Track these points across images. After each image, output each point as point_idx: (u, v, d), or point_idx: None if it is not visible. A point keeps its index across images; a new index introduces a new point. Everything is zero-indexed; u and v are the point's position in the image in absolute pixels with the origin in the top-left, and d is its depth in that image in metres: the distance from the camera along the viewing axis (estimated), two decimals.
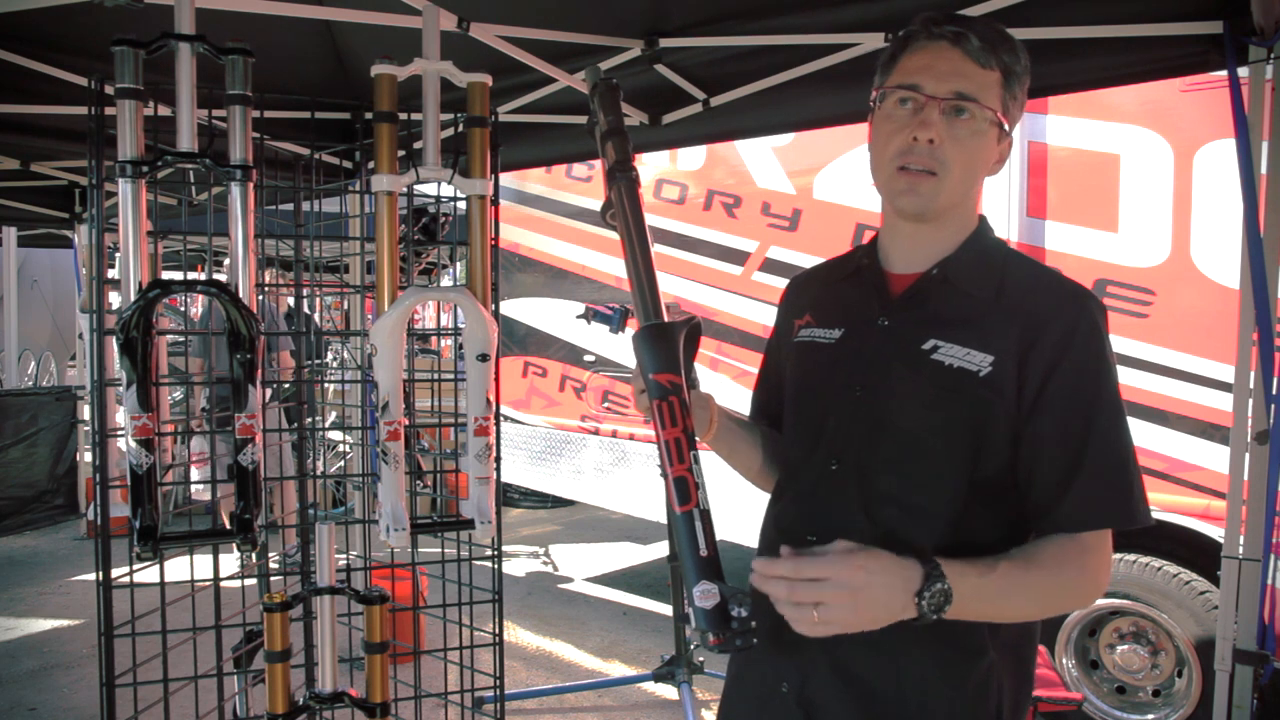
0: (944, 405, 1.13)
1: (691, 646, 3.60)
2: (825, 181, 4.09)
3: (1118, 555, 3.26)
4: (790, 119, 3.12)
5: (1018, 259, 1.24)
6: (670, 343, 1.15)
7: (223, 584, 2.56)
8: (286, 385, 4.86)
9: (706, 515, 1.07)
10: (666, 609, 4.74)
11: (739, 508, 1.89)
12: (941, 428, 1.13)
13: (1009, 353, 1.11)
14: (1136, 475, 1.12)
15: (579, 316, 3.64)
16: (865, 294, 1.25)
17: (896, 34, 1.20)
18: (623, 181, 1.27)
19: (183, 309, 5.62)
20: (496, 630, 2.72)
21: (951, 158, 1.13)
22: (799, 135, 4.09)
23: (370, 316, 2.40)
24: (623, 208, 1.27)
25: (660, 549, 6.07)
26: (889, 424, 1.16)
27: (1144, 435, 3.15)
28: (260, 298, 2.48)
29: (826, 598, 0.98)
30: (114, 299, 2.22)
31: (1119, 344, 3.19)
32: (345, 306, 6.05)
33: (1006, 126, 1.15)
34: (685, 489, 1.07)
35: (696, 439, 1.15)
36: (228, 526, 1.96)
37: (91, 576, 2.36)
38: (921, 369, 1.15)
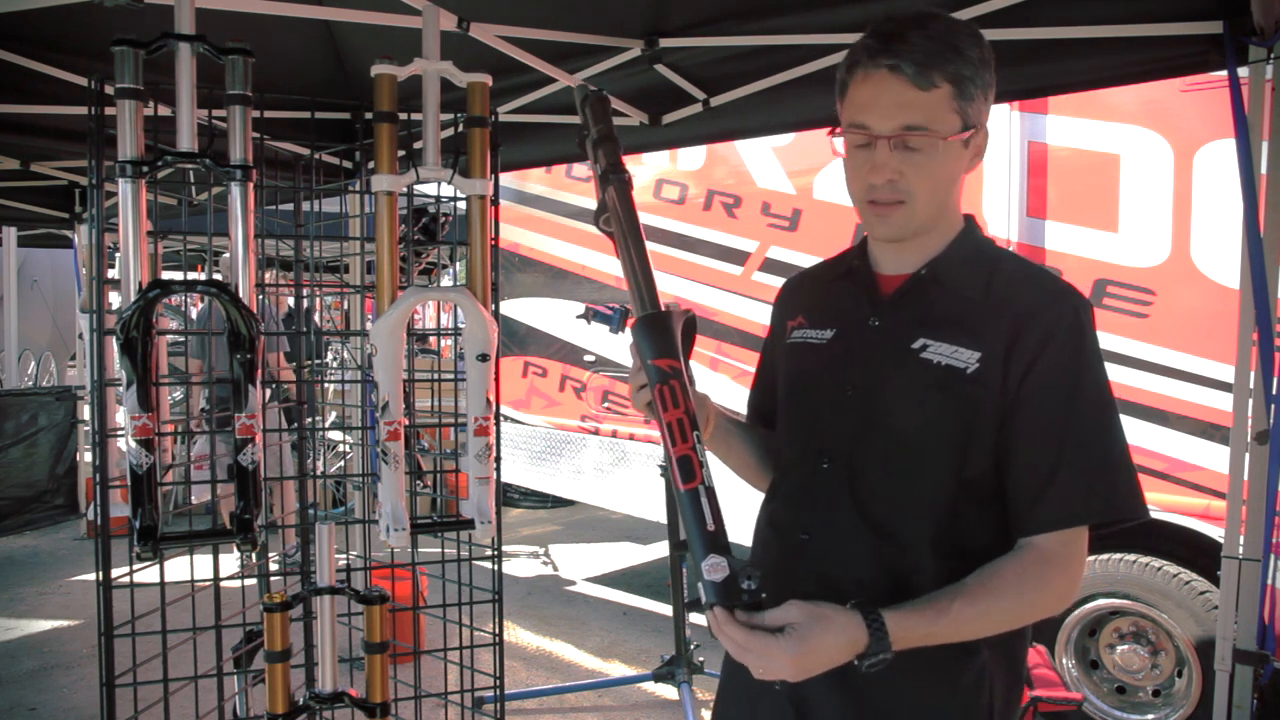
0: (933, 403, 1.14)
1: (692, 646, 3.60)
2: (825, 181, 4.09)
3: (1118, 555, 3.26)
4: (790, 119, 3.12)
5: (1006, 257, 1.25)
6: (667, 330, 1.17)
7: (223, 584, 2.56)
8: (284, 386, 4.86)
9: (712, 492, 1.08)
10: (666, 609, 4.74)
11: (736, 507, 1.89)
12: (932, 425, 1.14)
13: (996, 350, 1.12)
14: (1122, 468, 1.12)
15: (579, 316, 3.64)
16: (856, 295, 1.26)
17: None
18: (615, 182, 1.29)
19: (182, 309, 5.62)
20: (496, 630, 2.72)
21: (915, 185, 1.13)
22: (799, 135, 4.09)
23: (370, 316, 2.40)
24: (616, 206, 1.28)
25: (660, 549, 6.07)
26: (880, 423, 1.17)
27: (1144, 435, 3.15)
28: (260, 298, 2.48)
29: (769, 666, 1.02)
30: (114, 299, 2.22)
31: (1119, 344, 3.19)
32: (345, 306, 6.05)
33: (972, 126, 1.14)
34: (690, 467, 1.08)
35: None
36: (228, 526, 1.96)
37: (91, 576, 2.36)
38: (911, 368, 1.16)
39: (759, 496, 1.38)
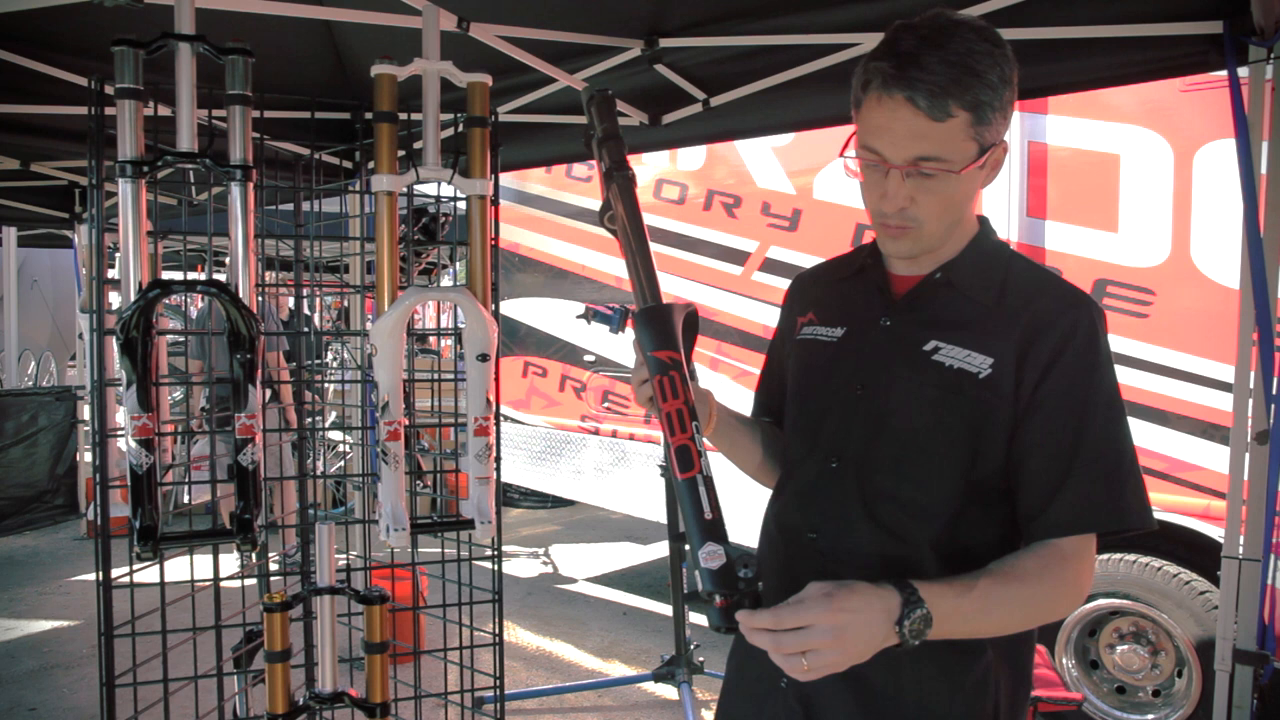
0: (944, 406, 1.14)
1: (692, 647, 3.60)
2: (825, 181, 4.09)
3: (1118, 555, 3.26)
4: (790, 119, 3.12)
5: (1020, 262, 1.24)
6: (667, 322, 1.17)
7: (223, 584, 2.56)
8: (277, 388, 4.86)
9: (709, 481, 1.08)
10: (666, 609, 4.73)
11: (739, 508, 1.89)
12: (941, 428, 1.14)
13: (1008, 355, 1.12)
14: (1131, 478, 1.12)
15: (579, 316, 3.64)
16: (868, 294, 1.26)
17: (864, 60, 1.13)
18: (619, 180, 1.30)
19: (183, 309, 5.62)
20: (496, 630, 2.72)
21: (926, 212, 1.12)
22: (799, 135, 4.09)
23: (370, 316, 2.40)
24: (620, 203, 1.29)
25: (660, 549, 6.07)
26: (888, 423, 1.17)
27: (1144, 435, 3.15)
28: (260, 298, 2.48)
29: (813, 644, 0.97)
30: (114, 299, 2.22)
31: (1119, 344, 3.19)
32: (345, 306, 6.05)
33: (990, 146, 1.10)
34: (688, 456, 1.09)
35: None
36: (228, 526, 1.96)
37: (91, 576, 2.36)
38: (922, 369, 1.16)
39: (760, 498, 1.38)
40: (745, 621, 1.00)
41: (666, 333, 1.16)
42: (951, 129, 1.06)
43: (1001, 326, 1.14)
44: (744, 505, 1.71)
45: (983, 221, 1.24)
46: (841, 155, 1.16)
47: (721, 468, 1.38)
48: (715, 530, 1.05)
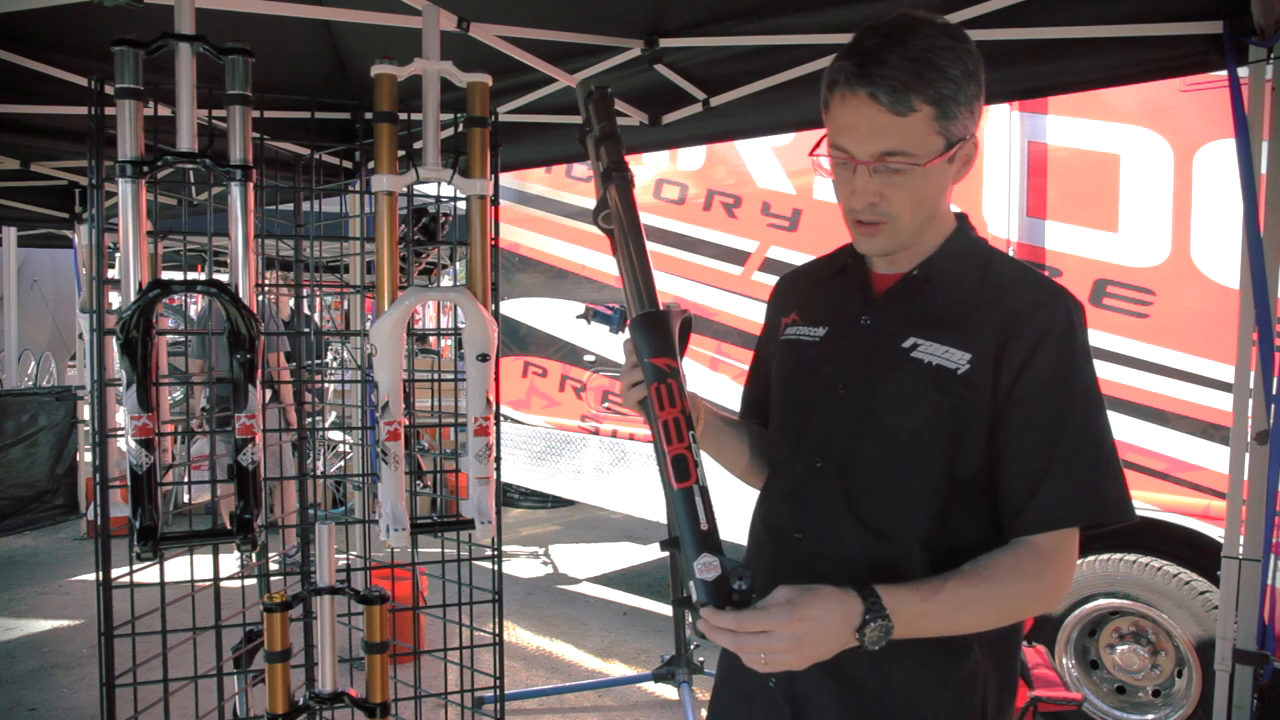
0: (924, 403, 1.14)
1: (692, 646, 3.60)
2: (825, 181, 4.06)
3: (1118, 555, 3.26)
4: (790, 119, 3.12)
5: (997, 258, 1.24)
6: (665, 329, 1.17)
7: (223, 584, 2.56)
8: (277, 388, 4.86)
9: (705, 491, 1.08)
10: (666, 609, 4.74)
11: (730, 506, 1.89)
12: (922, 425, 1.15)
13: (986, 351, 1.13)
14: (1112, 470, 1.12)
15: (579, 316, 3.65)
16: (849, 293, 1.27)
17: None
18: (617, 180, 1.29)
19: (183, 309, 5.63)
20: (496, 630, 2.72)
21: (897, 207, 1.13)
22: (799, 135, 4.09)
23: (370, 316, 2.40)
24: (617, 205, 1.28)
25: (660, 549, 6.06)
26: (871, 421, 1.18)
27: (1144, 435, 3.15)
28: (260, 298, 2.48)
29: (771, 648, 1.00)
30: (114, 299, 2.22)
31: (1119, 344, 3.19)
32: (345, 306, 6.05)
33: (958, 141, 1.11)
34: (684, 466, 1.09)
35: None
36: (228, 526, 1.96)
37: (91, 576, 2.36)
38: (902, 367, 1.16)
39: (749, 498, 1.38)
40: (709, 619, 1.01)
41: (664, 340, 1.16)
42: (915, 123, 1.08)
43: (979, 322, 1.15)
44: (736, 507, 1.72)
45: (960, 219, 1.25)
46: (812, 155, 1.17)
47: (713, 468, 1.38)
48: (710, 541, 1.05)
